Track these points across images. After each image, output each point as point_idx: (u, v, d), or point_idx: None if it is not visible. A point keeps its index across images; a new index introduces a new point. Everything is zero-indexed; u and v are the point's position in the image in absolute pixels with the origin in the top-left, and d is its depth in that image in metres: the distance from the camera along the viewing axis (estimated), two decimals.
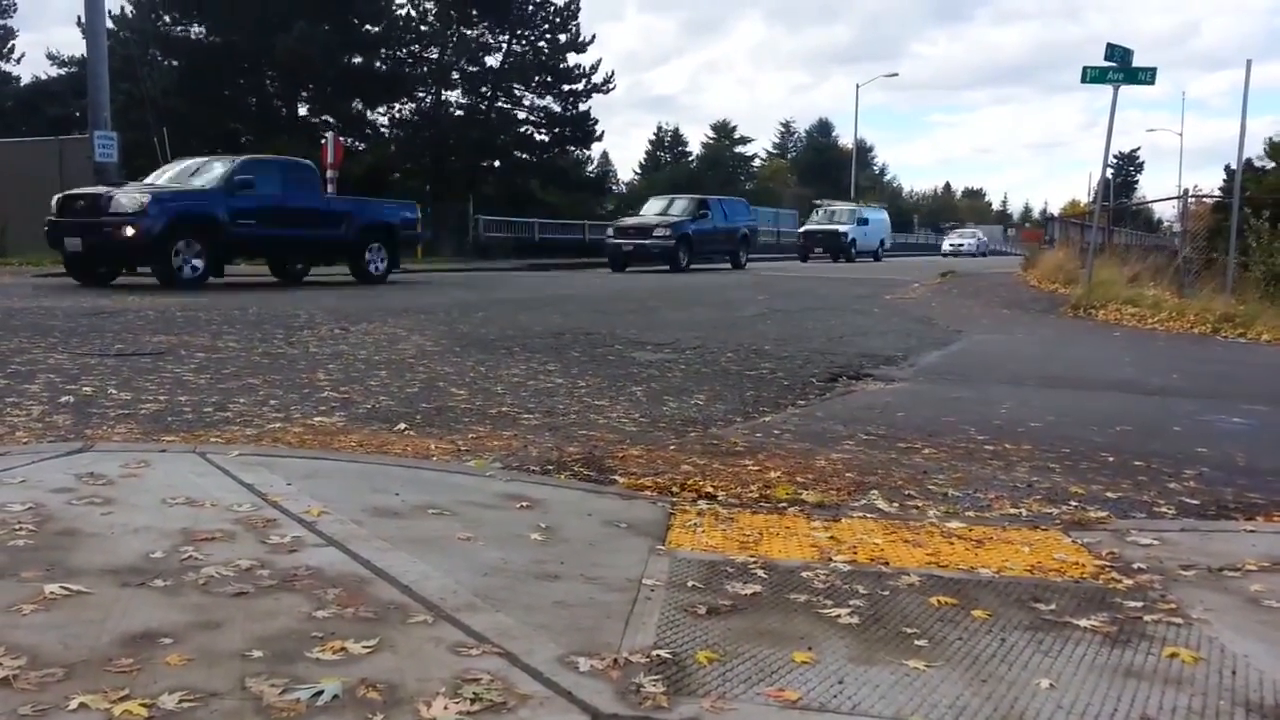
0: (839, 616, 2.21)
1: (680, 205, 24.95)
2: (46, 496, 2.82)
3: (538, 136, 41.97)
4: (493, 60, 40.37)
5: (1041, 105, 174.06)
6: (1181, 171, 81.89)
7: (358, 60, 35.44)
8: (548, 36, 40.53)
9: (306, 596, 2.16)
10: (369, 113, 38.19)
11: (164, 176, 14.83)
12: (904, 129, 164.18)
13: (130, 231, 12.35)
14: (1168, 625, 2.23)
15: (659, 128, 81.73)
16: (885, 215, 39.85)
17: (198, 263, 13.03)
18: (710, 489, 3.43)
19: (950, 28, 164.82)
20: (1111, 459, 4.24)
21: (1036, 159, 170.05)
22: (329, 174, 24.75)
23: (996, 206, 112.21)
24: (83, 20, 22.82)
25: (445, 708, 1.69)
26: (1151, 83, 14.06)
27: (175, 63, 33.15)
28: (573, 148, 43.71)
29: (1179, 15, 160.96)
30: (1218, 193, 26.25)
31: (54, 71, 36.29)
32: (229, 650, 1.87)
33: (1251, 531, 3.12)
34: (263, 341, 7.44)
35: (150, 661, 1.80)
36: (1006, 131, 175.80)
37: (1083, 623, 2.23)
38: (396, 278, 16.92)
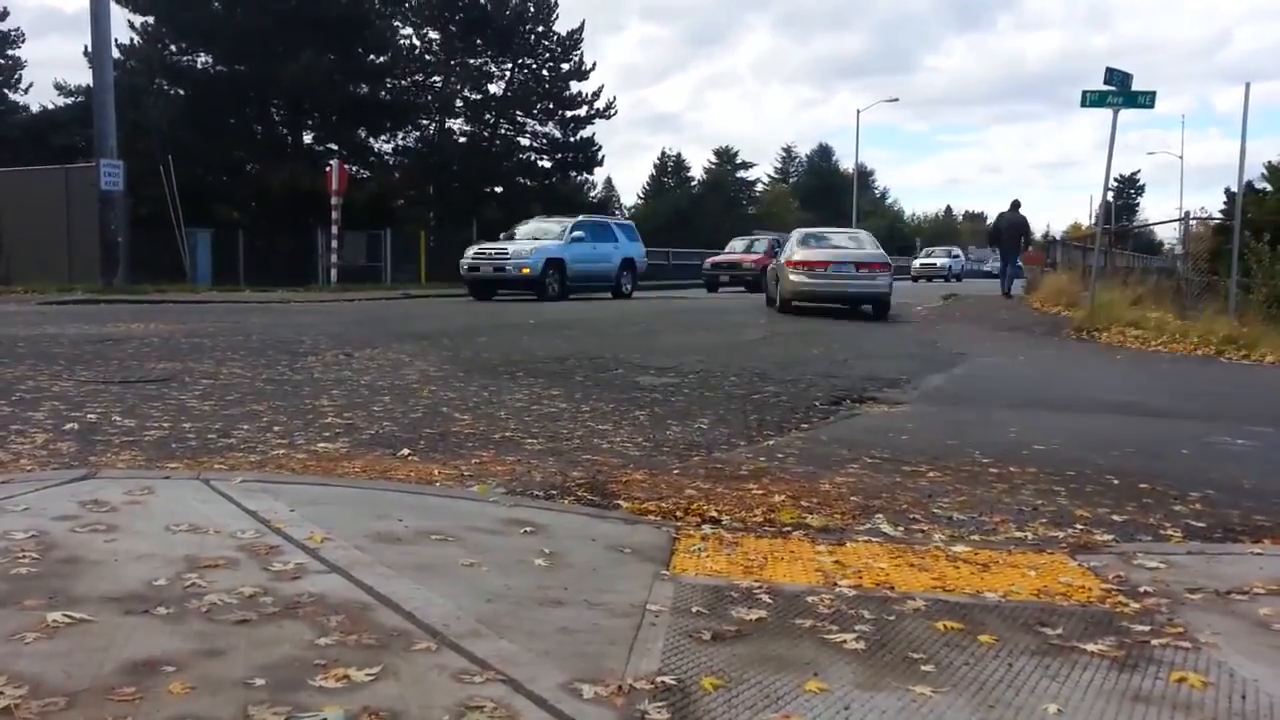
0: (845, 642, 2.20)
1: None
2: (50, 524, 2.82)
3: (540, 163, 42.28)
4: (496, 88, 40.79)
5: (1057, 122, 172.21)
6: (1183, 193, 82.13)
7: (362, 89, 35.74)
8: (550, 64, 40.93)
9: (309, 624, 2.15)
10: (373, 141, 38.48)
11: None
12: (911, 149, 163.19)
13: None
14: (1176, 649, 2.22)
15: (662, 153, 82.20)
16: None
17: None
18: (714, 513, 3.42)
19: (970, 35, 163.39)
20: (1117, 482, 4.22)
21: (1046, 180, 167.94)
22: (334, 201, 24.93)
23: None
24: (89, 50, 23.08)
25: None
26: (1151, 106, 14.14)
27: (181, 92, 33.44)
28: (575, 173, 43.99)
29: (1212, 24, 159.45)
30: (1218, 215, 26.33)
31: (61, 101, 36.59)
32: (231, 678, 1.86)
33: (1259, 554, 3.10)
34: (267, 368, 7.46)
35: (153, 690, 1.79)
36: (1017, 151, 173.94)
37: (1090, 647, 2.21)
38: (397, 301, 16.96)
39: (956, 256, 48.26)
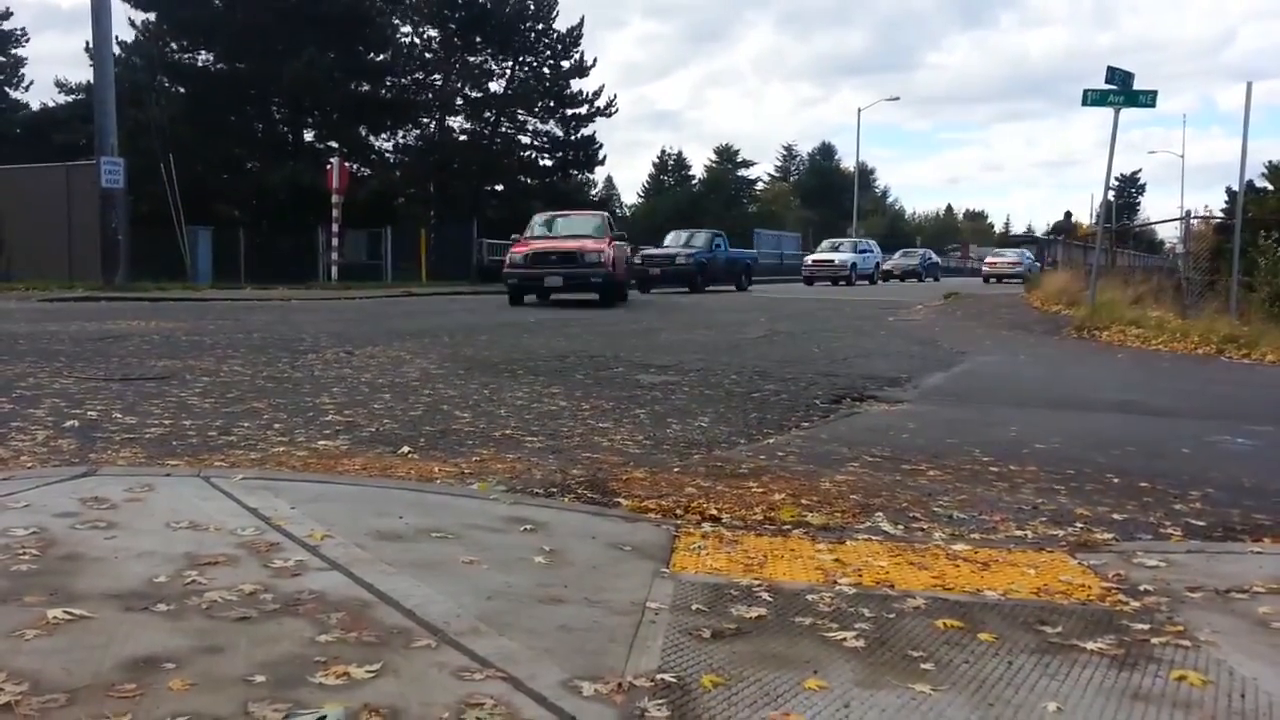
0: (845, 640, 2.20)
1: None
2: (50, 521, 2.82)
3: (541, 161, 42.27)
4: (496, 86, 40.77)
5: (1059, 120, 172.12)
6: (1185, 192, 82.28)
7: (363, 87, 35.73)
8: (551, 62, 40.89)
9: (310, 621, 2.15)
10: (374, 138, 38.49)
11: None
12: (912, 147, 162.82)
13: None
14: (1175, 648, 2.22)
15: (663, 151, 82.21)
16: None
17: None
18: (714, 511, 3.42)
19: (973, 33, 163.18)
20: (1117, 480, 4.22)
21: (1047, 178, 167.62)
22: (334, 199, 24.90)
23: (999, 229, 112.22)
24: (90, 47, 23.08)
25: None
26: (1152, 105, 14.13)
27: (182, 89, 33.45)
28: (576, 171, 43.96)
29: (1216, 22, 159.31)
30: (1219, 214, 26.39)
31: (62, 99, 36.62)
32: (232, 675, 1.86)
33: (1258, 553, 3.10)
34: (267, 365, 7.46)
35: (153, 687, 1.80)
36: (1019, 149, 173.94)
37: (1089, 645, 2.21)
38: (398, 299, 16.87)
39: (866, 251, 37.26)
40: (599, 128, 41.83)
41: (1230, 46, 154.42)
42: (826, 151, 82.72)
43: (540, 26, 40.38)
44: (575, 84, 41.11)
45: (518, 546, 2.83)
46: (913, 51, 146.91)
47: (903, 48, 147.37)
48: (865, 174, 72.79)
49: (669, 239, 28.82)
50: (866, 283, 34.12)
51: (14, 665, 1.86)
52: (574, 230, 18.73)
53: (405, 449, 4.45)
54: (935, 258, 49.45)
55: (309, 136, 36.54)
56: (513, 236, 19.21)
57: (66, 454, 4.14)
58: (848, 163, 76.37)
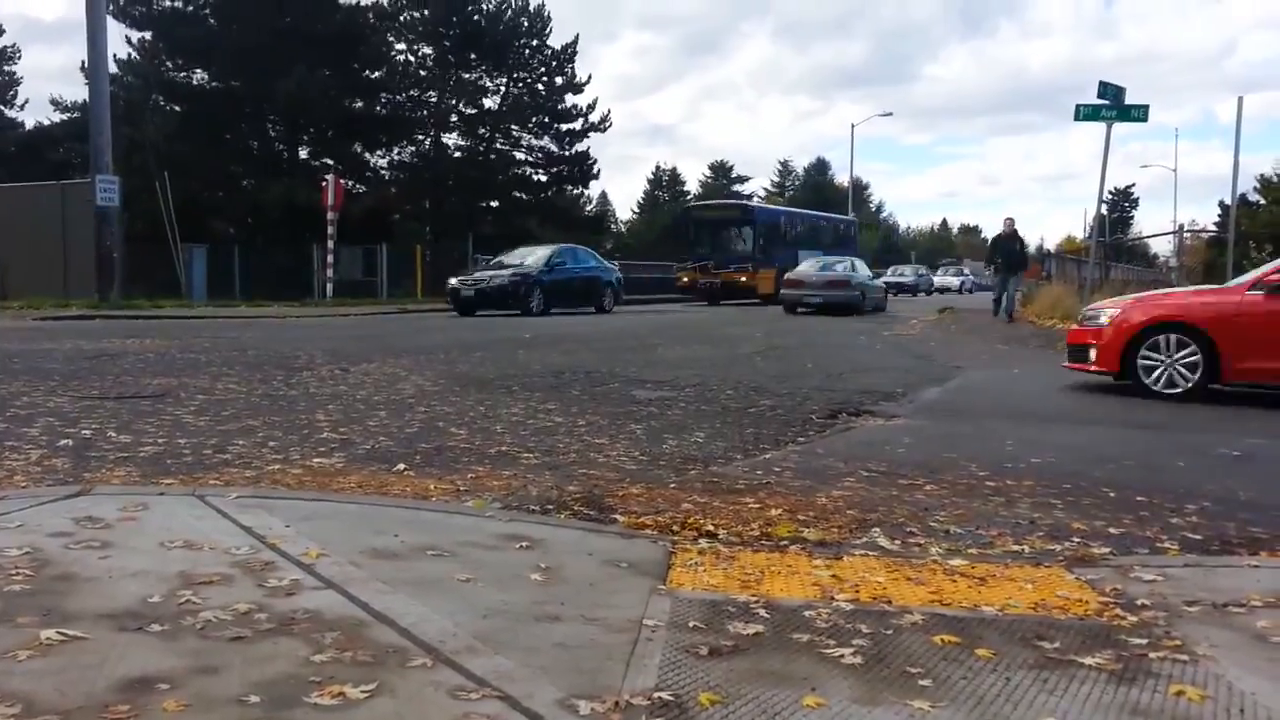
0: (842, 656, 2.19)
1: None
2: (44, 540, 2.81)
3: (536, 176, 42.33)
4: (491, 102, 40.88)
5: (1057, 134, 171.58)
6: (1181, 205, 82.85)
7: (358, 104, 35.81)
8: (545, 79, 41.04)
9: (305, 640, 2.14)
10: (369, 155, 38.53)
11: None
12: (909, 161, 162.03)
13: None
14: (1173, 662, 2.22)
15: (657, 167, 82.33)
16: None
17: None
18: (711, 527, 3.41)
19: (972, 43, 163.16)
20: (1113, 494, 4.22)
21: (1045, 192, 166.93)
22: (330, 216, 24.92)
23: None
24: (85, 66, 23.11)
25: None
26: (1144, 120, 14.23)
27: (177, 108, 33.48)
28: (570, 187, 44.06)
29: (1218, 33, 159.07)
30: (1213, 227, 26.51)
31: (57, 117, 36.62)
32: (226, 695, 1.85)
33: (1256, 566, 3.10)
34: (262, 383, 7.45)
35: (147, 708, 1.78)
36: (1016, 163, 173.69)
37: (1087, 661, 2.21)
38: (393, 315, 16.87)
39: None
40: (593, 143, 41.86)
41: (1231, 57, 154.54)
42: (820, 166, 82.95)
43: (534, 43, 40.54)
44: (569, 99, 41.25)
45: (514, 564, 2.82)
46: (911, 63, 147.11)
47: (901, 59, 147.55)
48: (859, 189, 72.99)
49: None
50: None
51: (7, 687, 1.85)
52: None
53: (401, 466, 4.43)
54: (595, 261, 24.30)
55: (304, 154, 36.59)
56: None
57: (60, 473, 4.13)
58: (843, 177, 76.61)
